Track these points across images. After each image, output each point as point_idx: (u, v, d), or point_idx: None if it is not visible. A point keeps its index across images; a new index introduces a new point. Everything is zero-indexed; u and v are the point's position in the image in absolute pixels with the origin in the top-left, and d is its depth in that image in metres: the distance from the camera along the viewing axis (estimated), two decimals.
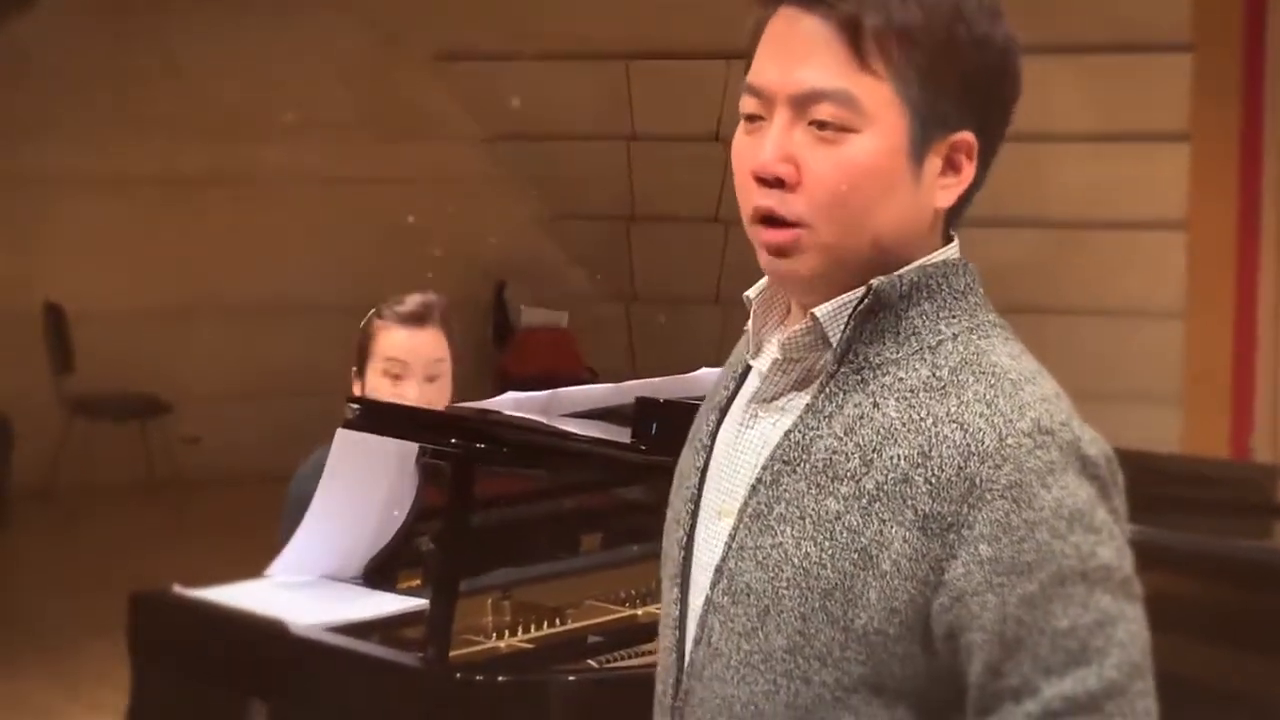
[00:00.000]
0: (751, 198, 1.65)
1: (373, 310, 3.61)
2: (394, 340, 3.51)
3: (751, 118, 1.66)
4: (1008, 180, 7.98)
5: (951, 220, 1.69)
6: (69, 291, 9.44)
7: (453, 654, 3.06)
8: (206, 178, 9.79)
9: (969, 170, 1.66)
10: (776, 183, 1.62)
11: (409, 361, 3.50)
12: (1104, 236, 8.49)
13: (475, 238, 10.29)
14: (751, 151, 1.64)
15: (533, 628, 3.31)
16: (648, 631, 3.23)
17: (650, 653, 3.11)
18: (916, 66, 1.60)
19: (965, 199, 1.68)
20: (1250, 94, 8.01)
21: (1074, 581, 1.52)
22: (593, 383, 3.64)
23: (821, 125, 1.61)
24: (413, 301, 3.55)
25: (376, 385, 3.52)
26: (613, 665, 3.13)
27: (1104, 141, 8.36)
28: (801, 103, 1.61)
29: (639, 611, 3.43)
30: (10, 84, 9.24)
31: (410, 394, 3.49)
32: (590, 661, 3.14)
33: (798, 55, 1.61)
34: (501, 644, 3.24)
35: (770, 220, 1.64)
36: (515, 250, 10.49)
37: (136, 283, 9.72)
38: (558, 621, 3.36)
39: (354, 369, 3.60)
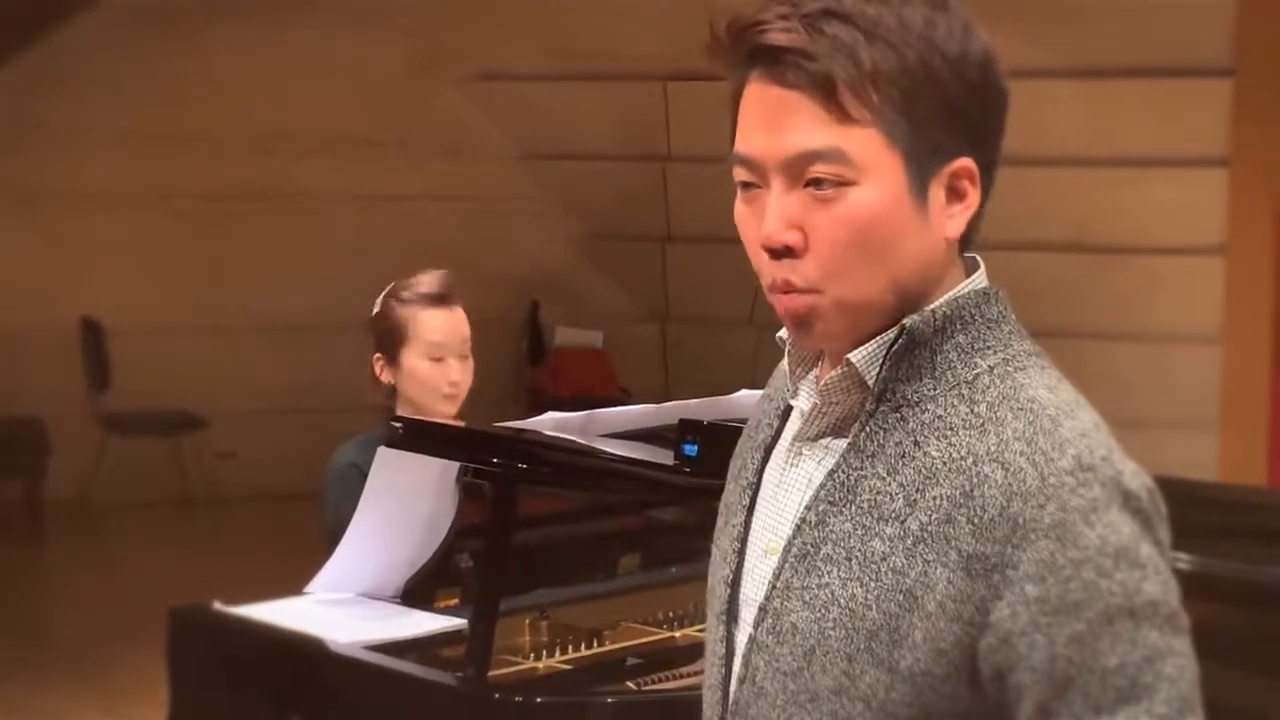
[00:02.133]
0: (766, 270, 1.64)
1: (386, 292, 3.61)
2: (433, 323, 3.54)
3: (747, 185, 1.65)
4: (1048, 204, 7.94)
5: (965, 245, 1.68)
6: (106, 306, 9.48)
7: (491, 674, 3.06)
8: (243, 193, 9.84)
9: (974, 195, 1.64)
10: (786, 251, 1.61)
11: (447, 343, 3.54)
12: (1143, 261, 8.46)
13: (510, 257, 10.31)
14: (754, 222, 1.64)
15: (570, 649, 3.31)
16: (686, 654, 3.23)
17: (687, 675, 3.11)
18: (898, 107, 1.58)
19: (975, 222, 1.66)
20: None
21: (1121, 619, 1.52)
22: (627, 403, 3.64)
23: (818, 184, 1.59)
24: (435, 282, 3.57)
25: (416, 369, 3.53)
26: (651, 688, 3.12)
27: (1144, 166, 8.34)
28: (794, 166, 1.60)
29: (677, 634, 3.42)
30: (49, 97, 9.31)
31: (454, 373, 3.52)
32: (629, 683, 3.14)
33: (780, 120, 1.60)
34: (540, 664, 3.24)
35: (788, 290, 1.63)
36: (550, 270, 10.51)
37: (172, 298, 9.76)
38: (595, 643, 3.36)
39: (376, 356, 3.58)
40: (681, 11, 8.67)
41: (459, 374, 3.52)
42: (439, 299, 3.55)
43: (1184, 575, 1.60)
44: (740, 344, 8.90)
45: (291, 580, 3.58)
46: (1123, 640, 1.51)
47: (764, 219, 1.62)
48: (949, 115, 1.60)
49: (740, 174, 1.65)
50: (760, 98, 1.62)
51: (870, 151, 1.59)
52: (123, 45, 9.43)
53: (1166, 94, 8.15)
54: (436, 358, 3.52)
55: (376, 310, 3.61)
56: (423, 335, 3.53)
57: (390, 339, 3.56)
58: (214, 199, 9.79)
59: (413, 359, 3.54)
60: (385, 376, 3.58)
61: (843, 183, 1.59)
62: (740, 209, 1.66)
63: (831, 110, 1.58)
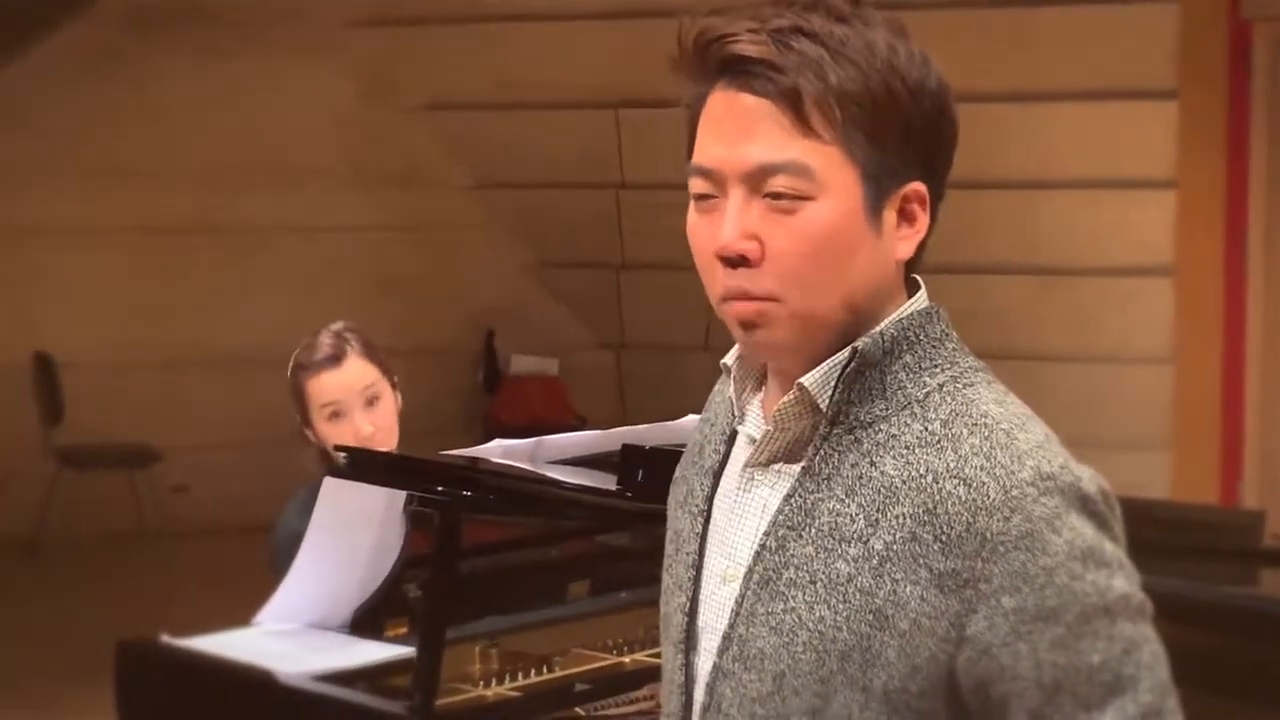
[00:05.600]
0: (718, 279, 1.65)
1: (291, 364, 3.69)
2: (323, 386, 3.60)
3: (703, 197, 1.67)
4: (999, 226, 7.97)
5: (911, 268, 1.71)
6: (58, 341, 9.43)
7: (439, 702, 3.05)
8: (194, 227, 9.80)
9: (923, 219, 1.67)
10: (741, 261, 1.63)
11: (342, 399, 3.59)
12: (1093, 282, 8.51)
13: (464, 286, 10.30)
14: (709, 232, 1.65)
15: (520, 676, 3.30)
16: (635, 679, 3.23)
17: (637, 699, 3.11)
18: (860, 126, 1.61)
19: (922, 247, 1.69)
20: (1235, 139, 8.04)
21: (1098, 617, 1.56)
22: (580, 430, 3.65)
23: (777, 197, 1.62)
24: (324, 344, 3.64)
25: (326, 431, 3.60)
26: (600, 713, 3.12)
27: (1093, 188, 8.39)
28: (755, 178, 1.62)
29: (626, 659, 3.42)
30: None
31: (363, 429, 3.56)
32: (578, 709, 3.13)
33: (743, 132, 1.62)
34: (488, 692, 3.23)
35: (741, 298, 1.65)
36: (504, 298, 10.50)
37: (125, 332, 9.72)
38: (545, 669, 3.35)
39: (300, 424, 3.67)
40: (632, 38, 8.71)
41: (367, 426, 3.56)
42: (328, 361, 3.61)
43: None
44: (695, 370, 8.89)
45: (247, 613, 3.57)
46: (1102, 637, 1.55)
47: (719, 229, 1.64)
48: (906, 139, 1.64)
49: (697, 185, 1.67)
50: (725, 108, 1.64)
51: (831, 168, 1.61)
52: (68, 81, 9.39)
53: (1113, 117, 8.20)
54: (337, 415, 3.58)
55: (288, 381, 3.68)
56: (317, 401, 3.60)
57: (299, 410, 3.66)
58: (164, 233, 9.75)
59: (319, 425, 3.61)
60: (312, 438, 3.65)
61: (802, 197, 1.61)
62: (694, 219, 1.68)
63: (796, 124, 1.60)
